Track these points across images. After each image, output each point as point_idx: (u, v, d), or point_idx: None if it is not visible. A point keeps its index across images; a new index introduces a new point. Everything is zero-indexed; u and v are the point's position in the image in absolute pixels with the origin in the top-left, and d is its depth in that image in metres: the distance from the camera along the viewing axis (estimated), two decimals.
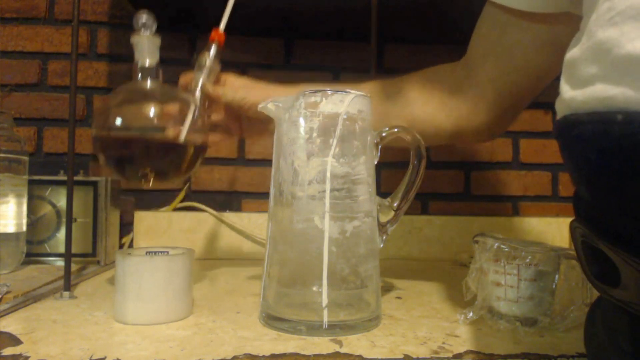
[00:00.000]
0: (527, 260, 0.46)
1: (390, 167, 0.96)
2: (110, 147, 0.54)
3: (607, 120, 0.23)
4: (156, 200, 0.92)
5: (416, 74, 0.61)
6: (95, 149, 0.57)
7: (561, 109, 0.28)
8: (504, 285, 0.46)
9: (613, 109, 0.23)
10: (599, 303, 0.33)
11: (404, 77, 0.61)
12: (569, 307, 0.46)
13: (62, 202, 0.77)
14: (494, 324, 0.46)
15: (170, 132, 0.54)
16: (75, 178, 0.75)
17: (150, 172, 0.53)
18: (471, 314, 0.47)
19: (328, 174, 0.44)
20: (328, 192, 0.44)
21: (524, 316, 0.46)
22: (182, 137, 0.54)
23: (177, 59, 0.93)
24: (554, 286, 0.46)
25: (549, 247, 0.48)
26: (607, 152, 0.24)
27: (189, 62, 0.93)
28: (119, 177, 0.79)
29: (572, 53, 0.27)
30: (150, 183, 0.54)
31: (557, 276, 0.46)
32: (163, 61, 0.97)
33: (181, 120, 0.54)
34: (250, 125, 0.64)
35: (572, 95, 0.26)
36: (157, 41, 0.55)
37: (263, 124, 0.62)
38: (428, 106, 0.59)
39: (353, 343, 0.40)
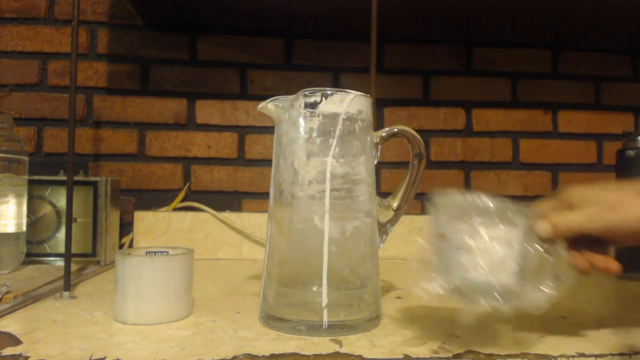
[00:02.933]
0: (504, 216, 0.37)
1: (390, 167, 0.96)
2: None
3: None
4: (156, 200, 0.92)
5: None
6: None
7: None
8: (474, 250, 0.37)
9: None
10: None
11: None
12: (541, 274, 0.38)
13: (62, 202, 0.77)
14: (469, 302, 0.37)
15: None
16: (75, 178, 0.76)
17: None
18: (434, 286, 0.37)
19: (328, 174, 0.44)
20: (328, 192, 0.44)
21: (503, 287, 0.37)
22: None
23: (177, 59, 0.94)
24: (532, 250, 0.38)
25: (518, 204, 0.39)
26: None
27: (189, 62, 0.93)
28: None
29: None
30: None
31: (530, 237, 0.38)
32: (162, 61, 0.97)
33: None
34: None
35: None
36: None
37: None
38: None
39: (353, 343, 0.40)
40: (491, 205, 0.38)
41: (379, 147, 0.49)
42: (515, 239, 0.37)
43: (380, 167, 0.96)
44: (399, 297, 0.58)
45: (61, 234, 0.76)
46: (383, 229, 0.51)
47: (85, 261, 0.77)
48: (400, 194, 0.52)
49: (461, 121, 0.99)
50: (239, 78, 0.95)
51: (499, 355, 0.38)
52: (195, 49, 0.94)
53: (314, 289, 0.43)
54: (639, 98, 1.03)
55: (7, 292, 0.53)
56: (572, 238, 0.40)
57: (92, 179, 0.78)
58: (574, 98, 1.02)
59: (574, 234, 0.39)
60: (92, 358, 0.36)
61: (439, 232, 0.39)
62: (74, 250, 0.56)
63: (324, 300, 0.42)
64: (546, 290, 0.38)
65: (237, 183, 0.94)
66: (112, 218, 0.80)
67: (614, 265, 0.40)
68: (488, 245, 0.37)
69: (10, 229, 0.68)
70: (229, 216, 0.88)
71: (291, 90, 0.49)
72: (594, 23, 0.88)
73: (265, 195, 0.48)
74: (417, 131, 0.51)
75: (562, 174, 1.00)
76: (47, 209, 0.77)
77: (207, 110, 0.94)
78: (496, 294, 0.36)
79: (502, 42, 0.99)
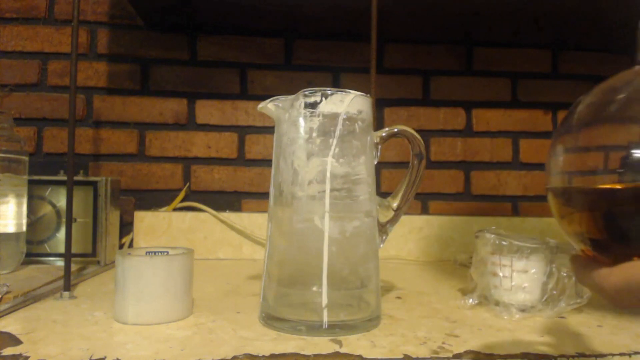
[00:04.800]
0: (519, 254, 0.51)
1: (390, 167, 0.96)
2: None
3: None
4: (156, 200, 0.92)
5: None
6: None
7: None
8: (499, 276, 0.52)
9: None
10: None
11: None
12: (561, 296, 0.50)
13: (62, 202, 0.77)
14: (491, 310, 0.52)
15: None
16: (75, 178, 0.76)
17: None
18: (471, 300, 0.53)
19: (328, 174, 0.44)
20: (328, 192, 0.44)
21: (517, 303, 0.51)
22: None
23: (177, 59, 0.94)
24: (544, 277, 0.51)
25: (544, 241, 0.52)
26: None
27: (189, 62, 0.93)
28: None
29: None
30: None
31: (548, 268, 0.51)
32: (162, 61, 0.97)
33: None
34: None
35: None
36: None
37: None
38: None
39: (353, 343, 0.40)
40: (514, 243, 0.52)
41: (379, 147, 0.49)
42: (533, 269, 0.51)
43: (380, 167, 0.96)
44: (399, 297, 0.58)
45: (61, 234, 0.76)
46: (383, 229, 0.51)
47: (85, 261, 0.77)
48: (400, 194, 0.52)
49: (461, 121, 0.99)
50: (239, 78, 0.95)
51: (499, 355, 0.38)
52: (195, 49, 0.94)
53: (314, 289, 0.43)
54: None
55: (7, 292, 0.53)
56: None
57: (92, 179, 0.78)
58: (574, 98, 1.01)
59: None
60: (92, 358, 0.36)
61: (480, 259, 0.54)
62: (74, 250, 0.56)
63: (324, 300, 0.42)
64: (566, 304, 0.50)
65: (237, 183, 0.94)
66: (112, 218, 0.80)
67: None
68: (510, 274, 0.51)
69: (10, 229, 0.68)
70: (229, 216, 0.88)
71: (291, 90, 0.49)
72: (594, 23, 0.88)
73: (265, 195, 0.48)
74: (417, 131, 0.51)
75: None
76: (47, 209, 0.77)
77: (207, 110, 0.94)
78: (514, 308, 0.50)
79: (502, 42, 0.99)
